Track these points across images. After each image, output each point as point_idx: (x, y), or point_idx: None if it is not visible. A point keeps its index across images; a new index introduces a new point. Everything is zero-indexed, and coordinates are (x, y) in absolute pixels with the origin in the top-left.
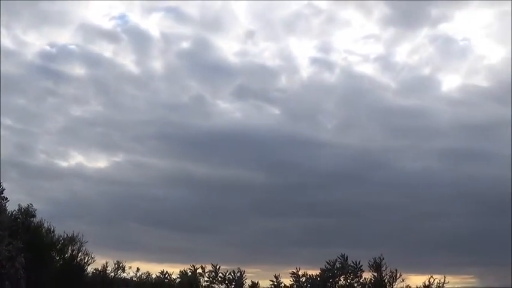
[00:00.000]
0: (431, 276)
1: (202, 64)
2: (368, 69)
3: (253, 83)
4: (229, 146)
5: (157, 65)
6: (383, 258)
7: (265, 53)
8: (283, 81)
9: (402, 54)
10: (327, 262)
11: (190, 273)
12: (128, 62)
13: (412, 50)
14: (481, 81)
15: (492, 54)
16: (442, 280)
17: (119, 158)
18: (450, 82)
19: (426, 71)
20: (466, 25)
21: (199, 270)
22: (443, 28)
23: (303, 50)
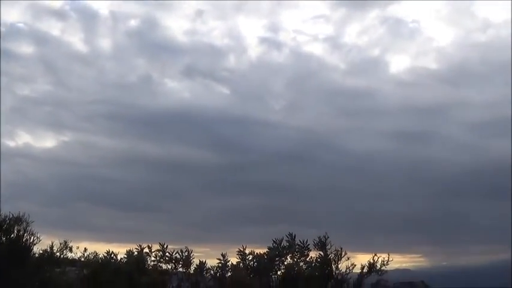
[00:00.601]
0: (375, 254)
1: (151, 43)
2: (317, 50)
3: (201, 62)
4: (178, 126)
5: (105, 43)
6: (328, 237)
7: (214, 32)
8: (231, 60)
9: (351, 35)
10: (273, 241)
11: (136, 253)
12: (76, 40)
13: (361, 31)
14: (430, 63)
15: (441, 36)
16: (386, 258)
17: (67, 137)
18: (399, 63)
19: (375, 52)
20: (416, 7)
21: (146, 250)
22: (393, 10)
23: (251, 30)
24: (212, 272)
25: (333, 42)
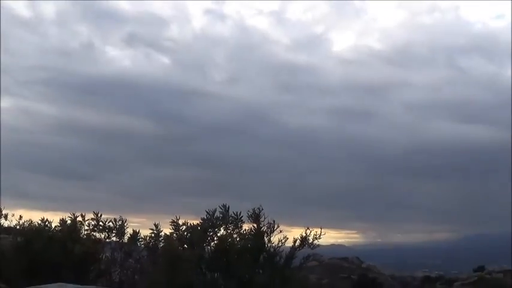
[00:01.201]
0: (308, 228)
1: (94, 10)
2: (261, 24)
3: (144, 31)
4: (117, 94)
5: (48, 8)
6: (262, 209)
7: (158, 1)
8: (174, 30)
9: (296, 10)
10: (207, 212)
11: (70, 222)
12: (18, 5)
13: (306, 7)
14: (374, 42)
15: (387, 17)
16: (319, 232)
17: (5, 103)
18: (342, 42)
19: (319, 29)
20: None
21: (80, 219)
22: None
23: (196, 1)
24: (145, 242)
25: (277, 17)
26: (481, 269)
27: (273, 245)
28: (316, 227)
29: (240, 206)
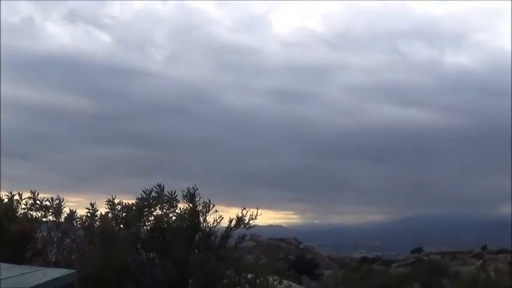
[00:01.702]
0: (244, 208)
1: None
2: (203, 4)
3: (85, 8)
4: (57, 71)
5: None
6: (197, 189)
7: None
8: (115, 8)
9: None
10: (143, 191)
11: (7, 200)
12: None
13: None
14: (316, 25)
15: (329, 0)
16: (255, 212)
17: None
18: (284, 24)
19: (260, 10)
20: None
21: (17, 197)
22: None
23: None
24: (81, 221)
25: None
26: (418, 250)
27: (209, 224)
28: (254, 207)
29: (177, 186)
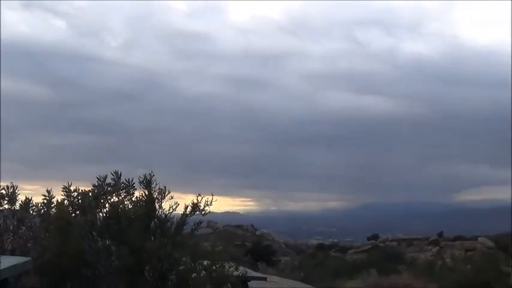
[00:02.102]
0: (199, 194)
1: None
2: None
3: None
4: (11, 59)
5: None
6: (153, 175)
7: None
8: None
9: None
10: (98, 178)
11: None
12: None
13: None
14: (273, 13)
15: None
16: (210, 198)
17: None
18: (241, 11)
19: None
20: None
21: None
22: None
23: None
24: (37, 209)
25: None
26: (374, 237)
27: (164, 211)
28: (210, 194)
29: (134, 173)
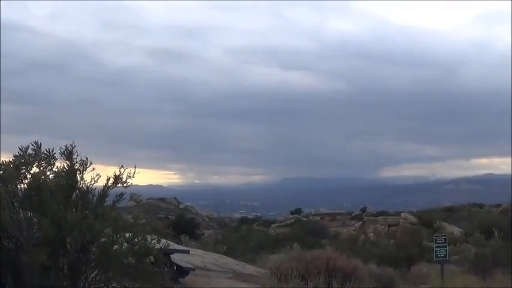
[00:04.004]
0: (122, 166)
1: None
2: None
3: None
4: None
5: None
6: (75, 146)
7: None
8: None
9: None
10: (19, 148)
11: None
12: None
13: None
14: None
15: None
16: (133, 171)
17: None
18: None
19: None
20: None
21: None
22: None
23: None
24: None
25: None
26: (298, 211)
27: (86, 183)
28: (133, 166)
29: (56, 144)
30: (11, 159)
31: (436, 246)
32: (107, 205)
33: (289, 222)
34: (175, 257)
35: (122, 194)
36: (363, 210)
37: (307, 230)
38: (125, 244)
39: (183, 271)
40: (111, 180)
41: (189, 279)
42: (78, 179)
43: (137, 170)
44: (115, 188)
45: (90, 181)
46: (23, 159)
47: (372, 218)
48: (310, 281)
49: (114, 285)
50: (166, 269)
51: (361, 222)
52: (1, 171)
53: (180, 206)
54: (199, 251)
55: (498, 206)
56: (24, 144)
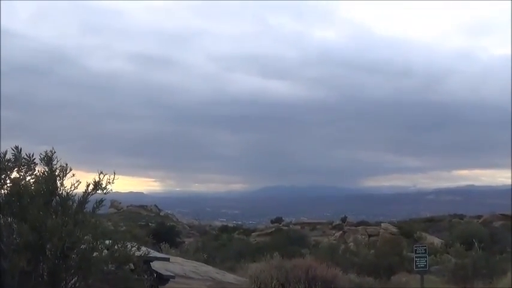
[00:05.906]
0: (101, 172)
1: None
2: None
3: None
4: None
5: None
6: (54, 152)
7: None
8: None
9: None
10: None
11: None
12: None
13: None
14: None
15: None
16: (112, 177)
17: None
18: None
19: None
20: None
21: None
22: None
23: None
24: None
25: None
26: (278, 220)
27: (66, 189)
28: (112, 172)
29: (36, 150)
30: None
31: (416, 257)
32: (87, 211)
33: (269, 231)
34: (156, 265)
35: (101, 201)
36: (344, 219)
37: (287, 239)
38: (105, 251)
39: (163, 279)
40: (91, 187)
41: (169, 286)
42: (58, 185)
43: (117, 176)
44: (95, 194)
45: (70, 187)
46: (3, 165)
47: (353, 227)
48: None
49: None
50: (146, 276)
51: (341, 231)
52: None
53: (161, 214)
54: (179, 259)
55: (479, 217)
56: (3, 149)
